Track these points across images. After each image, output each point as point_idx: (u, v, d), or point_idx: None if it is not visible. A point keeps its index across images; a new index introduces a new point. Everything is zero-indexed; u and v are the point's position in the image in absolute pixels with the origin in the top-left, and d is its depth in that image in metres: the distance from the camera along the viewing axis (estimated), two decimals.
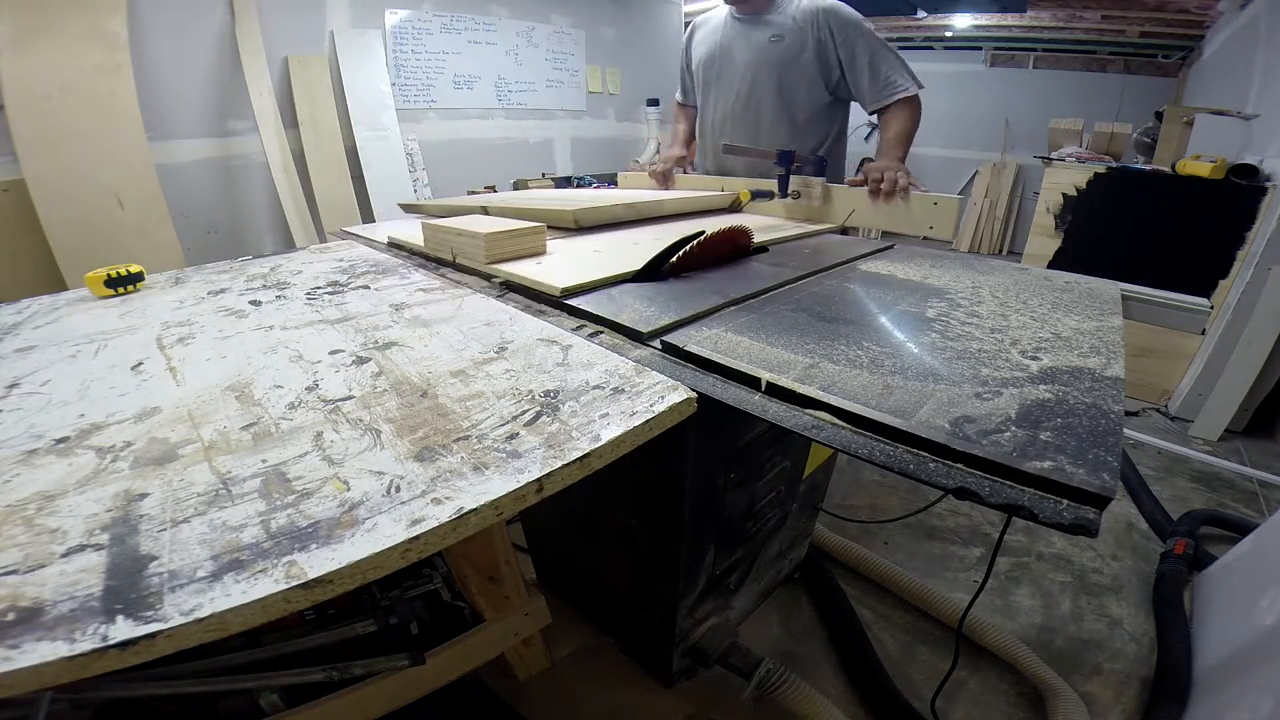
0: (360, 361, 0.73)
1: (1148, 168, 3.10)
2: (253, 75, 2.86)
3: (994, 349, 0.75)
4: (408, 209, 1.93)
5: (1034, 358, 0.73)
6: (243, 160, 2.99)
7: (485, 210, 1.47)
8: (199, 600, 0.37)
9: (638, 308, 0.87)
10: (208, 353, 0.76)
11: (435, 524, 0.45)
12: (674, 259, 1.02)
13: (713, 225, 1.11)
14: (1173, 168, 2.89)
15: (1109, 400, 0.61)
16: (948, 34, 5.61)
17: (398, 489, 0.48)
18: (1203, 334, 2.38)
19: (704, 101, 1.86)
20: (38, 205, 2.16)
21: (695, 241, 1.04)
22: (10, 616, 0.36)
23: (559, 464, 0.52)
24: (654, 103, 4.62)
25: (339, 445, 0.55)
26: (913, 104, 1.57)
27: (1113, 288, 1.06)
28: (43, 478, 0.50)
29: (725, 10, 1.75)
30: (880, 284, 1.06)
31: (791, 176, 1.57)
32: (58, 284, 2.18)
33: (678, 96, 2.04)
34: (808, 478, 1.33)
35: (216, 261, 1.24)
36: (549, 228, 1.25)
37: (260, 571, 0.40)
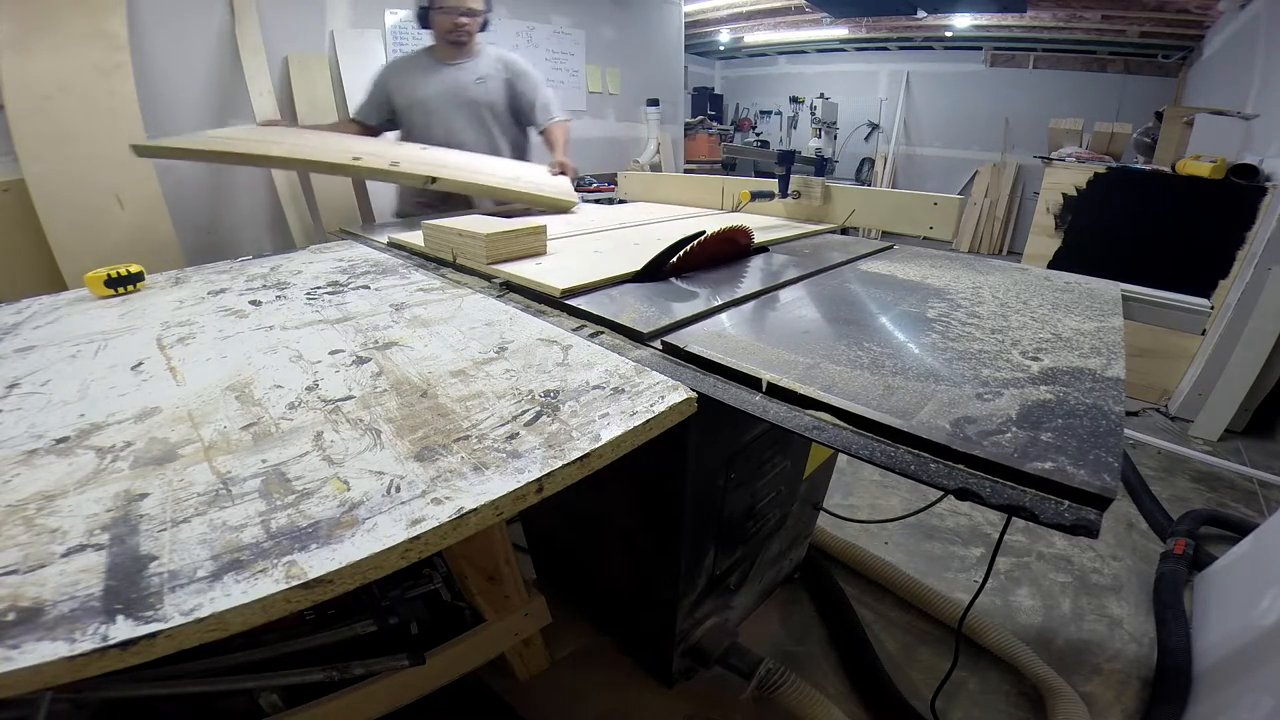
0: (360, 361, 0.73)
1: (1148, 168, 3.10)
2: (252, 75, 2.86)
3: (995, 350, 0.75)
4: (141, 152, 1.57)
5: (1034, 358, 0.73)
6: None
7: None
8: (199, 600, 0.37)
9: (638, 308, 0.87)
10: (208, 353, 0.76)
11: (435, 524, 0.45)
12: (674, 259, 1.02)
13: (713, 225, 1.11)
14: (1173, 168, 2.88)
15: (1109, 401, 0.61)
16: (948, 34, 5.61)
17: (398, 489, 0.48)
18: (1203, 334, 2.38)
19: (409, 135, 2.04)
20: (38, 205, 2.15)
21: (695, 242, 1.04)
22: (10, 616, 0.36)
23: (559, 464, 0.52)
24: (654, 103, 4.61)
25: (339, 445, 0.55)
26: (564, 124, 2.14)
27: (1113, 288, 1.06)
28: (43, 478, 0.50)
29: (420, 54, 2.06)
30: (881, 284, 1.06)
31: (791, 176, 1.57)
32: (58, 284, 2.17)
33: (356, 115, 2.18)
34: (808, 478, 1.33)
35: (216, 261, 1.24)
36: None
37: (260, 571, 0.40)
